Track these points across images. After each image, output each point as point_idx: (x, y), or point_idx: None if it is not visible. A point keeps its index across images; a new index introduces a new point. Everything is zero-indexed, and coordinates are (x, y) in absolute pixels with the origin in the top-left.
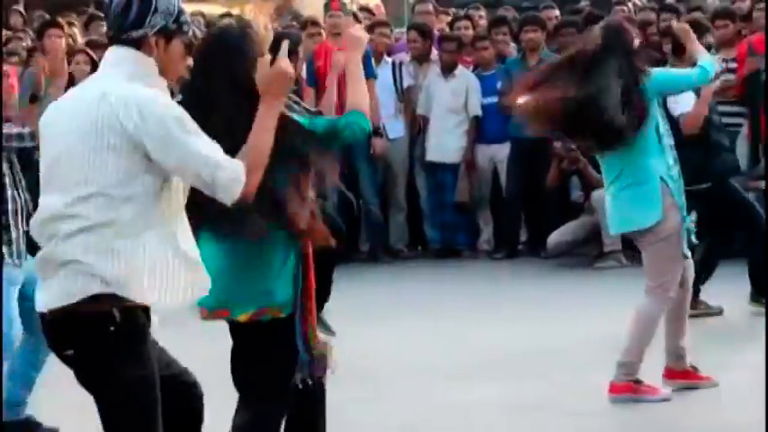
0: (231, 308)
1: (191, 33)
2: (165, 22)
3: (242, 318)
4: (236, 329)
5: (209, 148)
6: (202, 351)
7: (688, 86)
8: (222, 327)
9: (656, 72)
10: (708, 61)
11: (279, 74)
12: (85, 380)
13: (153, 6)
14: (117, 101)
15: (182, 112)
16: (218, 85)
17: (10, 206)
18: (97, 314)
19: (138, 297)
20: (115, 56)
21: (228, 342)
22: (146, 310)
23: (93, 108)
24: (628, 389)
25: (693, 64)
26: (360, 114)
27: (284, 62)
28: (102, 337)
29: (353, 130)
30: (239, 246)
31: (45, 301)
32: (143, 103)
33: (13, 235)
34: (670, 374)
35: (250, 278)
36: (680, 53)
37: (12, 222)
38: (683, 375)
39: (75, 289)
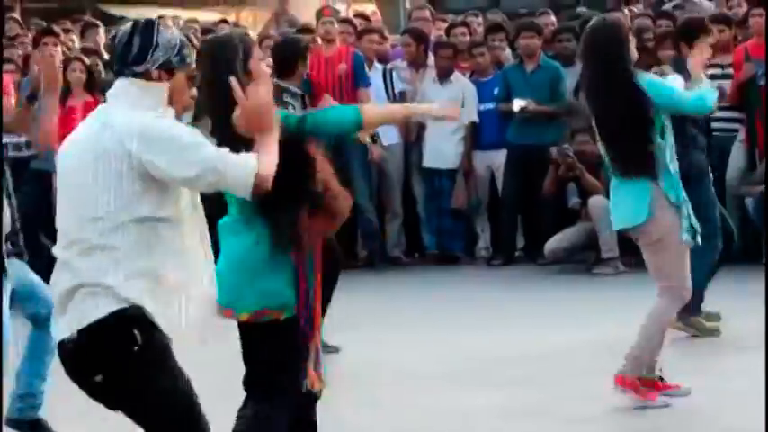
0: (234, 307)
1: (194, 65)
2: (167, 56)
3: (243, 317)
4: (240, 328)
5: (215, 153)
6: (199, 356)
7: (681, 110)
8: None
9: (653, 81)
10: (710, 92)
11: (256, 107)
12: (119, 401)
13: (154, 42)
14: (119, 128)
15: (183, 128)
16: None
17: None
18: (119, 337)
19: (159, 314)
20: (117, 88)
21: (226, 348)
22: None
23: (97, 139)
24: (633, 386)
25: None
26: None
27: (256, 92)
28: (128, 358)
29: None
30: (242, 244)
31: (60, 330)
32: (145, 127)
33: None
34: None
35: (252, 277)
36: (682, 52)
37: None
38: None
39: (89, 309)
